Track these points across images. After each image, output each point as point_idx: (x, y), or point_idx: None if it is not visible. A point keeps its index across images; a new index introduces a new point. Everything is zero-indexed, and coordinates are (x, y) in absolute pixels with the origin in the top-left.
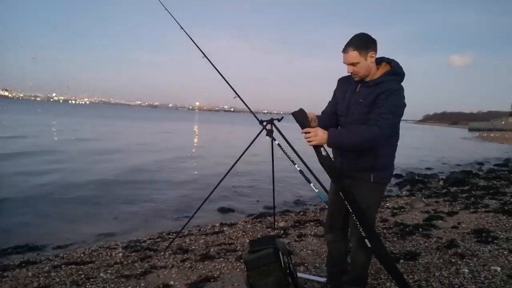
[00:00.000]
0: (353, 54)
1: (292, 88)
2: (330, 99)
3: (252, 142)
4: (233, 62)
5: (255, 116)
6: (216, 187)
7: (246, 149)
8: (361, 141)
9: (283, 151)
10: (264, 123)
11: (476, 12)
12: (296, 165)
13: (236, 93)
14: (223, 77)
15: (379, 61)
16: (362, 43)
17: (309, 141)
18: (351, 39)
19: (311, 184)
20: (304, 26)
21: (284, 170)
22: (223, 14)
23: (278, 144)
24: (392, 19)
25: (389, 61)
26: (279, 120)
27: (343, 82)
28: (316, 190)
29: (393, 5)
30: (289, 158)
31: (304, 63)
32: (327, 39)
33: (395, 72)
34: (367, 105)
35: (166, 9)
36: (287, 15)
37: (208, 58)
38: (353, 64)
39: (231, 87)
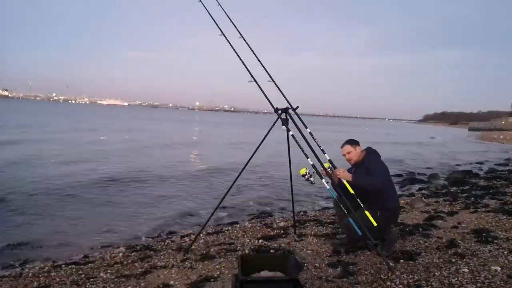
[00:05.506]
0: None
1: (291, 87)
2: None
3: (268, 133)
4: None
5: (270, 103)
6: (236, 180)
7: (262, 141)
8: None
9: (297, 143)
10: (279, 112)
11: (478, 8)
12: (309, 159)
13: (252, 76)
14: (239, 58)
15: None
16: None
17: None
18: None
19: (323, 180)
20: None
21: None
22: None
23: (292, 135)
24: (391, 12)
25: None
26: (294, 109)
27: None
28: (328, 187)
29: None
30: (303, 151)
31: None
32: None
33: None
34: None
35: None
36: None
37: (226, 36)
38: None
39: (248, 70)
